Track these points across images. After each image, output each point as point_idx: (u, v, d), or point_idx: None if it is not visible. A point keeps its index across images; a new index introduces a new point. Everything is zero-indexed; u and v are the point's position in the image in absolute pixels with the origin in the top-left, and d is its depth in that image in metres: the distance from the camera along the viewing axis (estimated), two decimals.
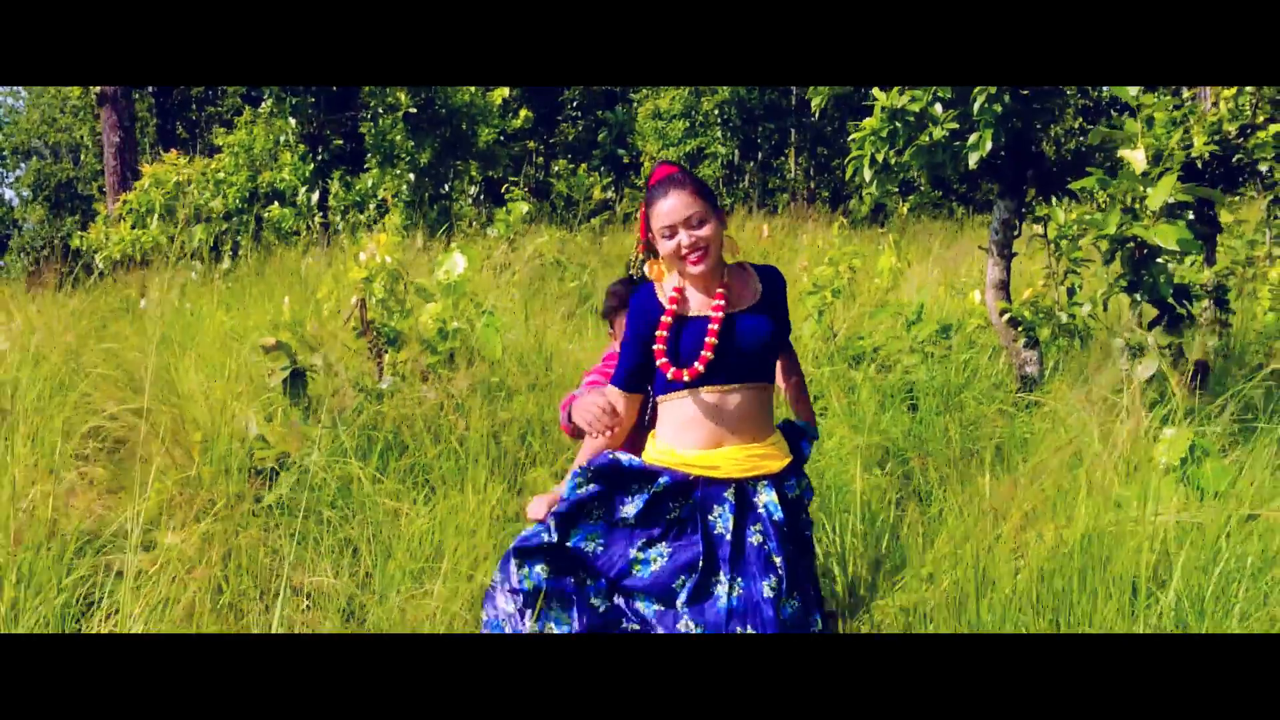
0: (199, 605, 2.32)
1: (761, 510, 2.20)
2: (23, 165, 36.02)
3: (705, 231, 2.19)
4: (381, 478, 3.25)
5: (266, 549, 2.79)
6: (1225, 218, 4.58)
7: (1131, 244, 4.29)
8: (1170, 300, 4.27)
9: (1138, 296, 4.28)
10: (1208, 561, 2.60)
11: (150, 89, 15.88)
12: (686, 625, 2.13)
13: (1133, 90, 4.48)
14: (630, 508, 2.22)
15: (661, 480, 2.21)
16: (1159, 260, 4.26)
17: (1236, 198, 10.80)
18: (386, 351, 4.09)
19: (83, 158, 33.31)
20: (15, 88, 29.45)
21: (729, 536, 2.17)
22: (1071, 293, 6.37)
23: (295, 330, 4.46)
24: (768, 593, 2.12)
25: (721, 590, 2.14)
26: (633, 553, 2.20)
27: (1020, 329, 5.19)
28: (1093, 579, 2.47)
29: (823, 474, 3.39)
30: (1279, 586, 2.63)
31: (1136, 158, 4.35)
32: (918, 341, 4.97)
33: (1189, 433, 3.30)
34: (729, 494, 2.21)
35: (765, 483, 2.24)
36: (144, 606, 2.25)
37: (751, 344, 2.24)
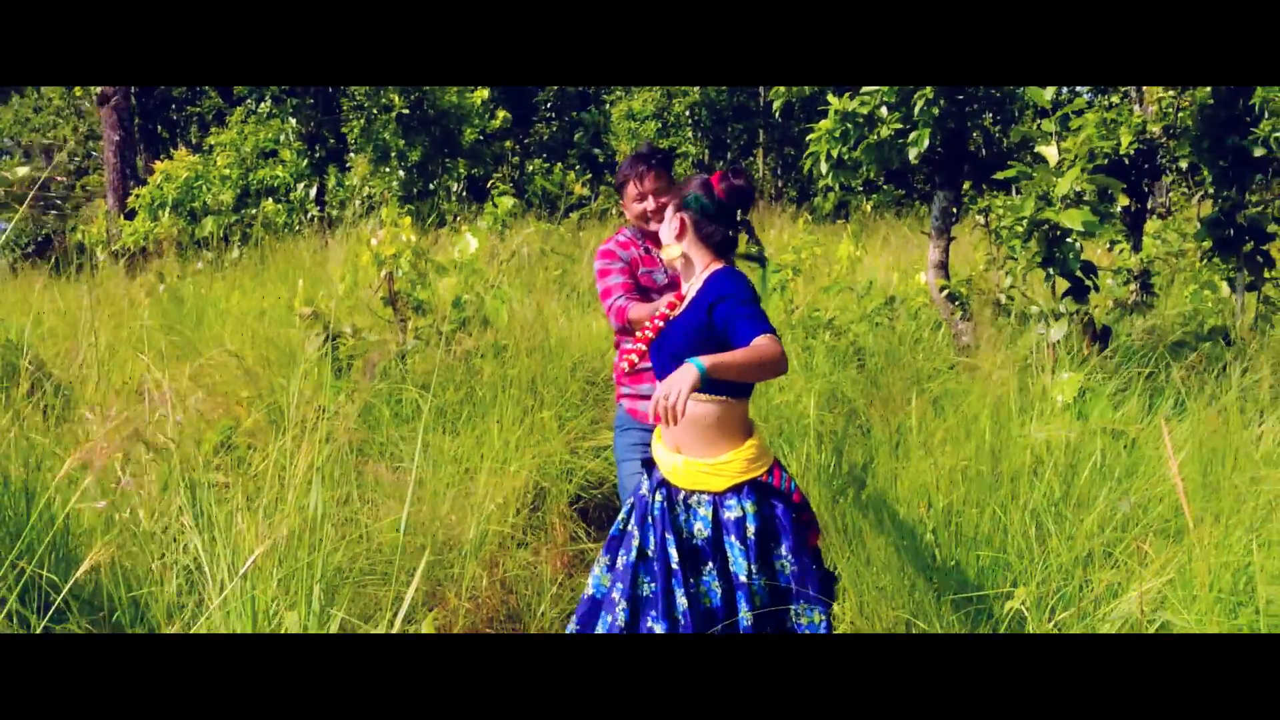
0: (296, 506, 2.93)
1: (688, 525, 2.31)
2: None
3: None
4: (430, 396, 3.90)
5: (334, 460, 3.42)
6: (1123, 201, 5.34)
7: (1046, 226, 5.03)
8: (1078, 274, 5.01)
9: (1051, 270, 5.02)
10: (1081, 464, 3.32)
11: (132, 90, 16.27)
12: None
13: (1047, 93, 5.23)
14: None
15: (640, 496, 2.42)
16: (1068, 240, 5.00)
17: (1175, 194, 11.67)
18: (410, 318, 4.74)
19: (56, 157, 33.39)
20: None
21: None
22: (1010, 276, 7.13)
23: (311, 305, 5.08)
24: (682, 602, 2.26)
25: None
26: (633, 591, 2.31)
27: (957, 304, 5.93)
28: (984, 469, 3.19)
29: (781, 410, 4.10)
30: (1137, 486, 3.36)
31: (1051, 153, 5.10)
32: (867, 312, 5.69)
33: (1079, 376, 4.03)
34: (678, 500, 2.34)
35: (706, 500, 2.31)
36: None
37: (677, 345, 2.33)
